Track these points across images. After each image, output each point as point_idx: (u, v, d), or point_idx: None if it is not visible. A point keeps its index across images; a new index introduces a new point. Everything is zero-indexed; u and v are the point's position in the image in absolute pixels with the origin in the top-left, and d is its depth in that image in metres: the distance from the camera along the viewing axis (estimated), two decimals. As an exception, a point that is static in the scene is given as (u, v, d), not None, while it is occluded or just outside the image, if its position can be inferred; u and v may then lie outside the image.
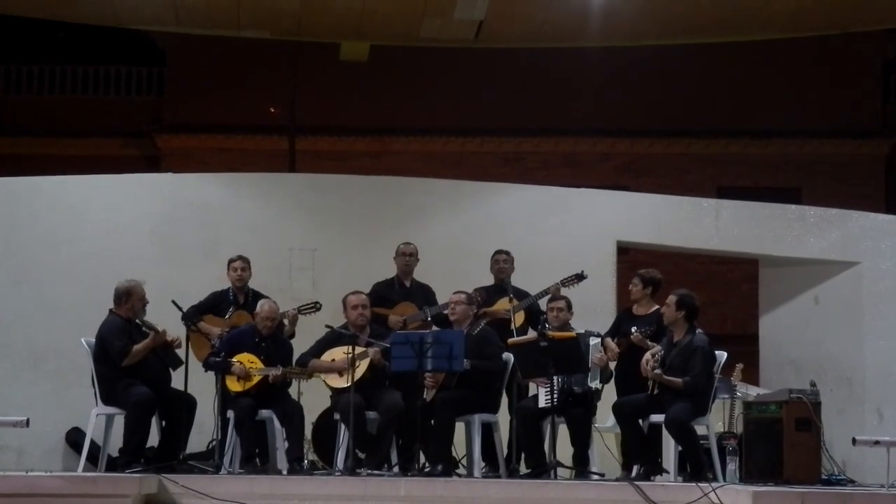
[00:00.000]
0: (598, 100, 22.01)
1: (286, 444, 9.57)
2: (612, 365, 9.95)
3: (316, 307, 10.38)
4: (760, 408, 9.39)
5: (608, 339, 10.00)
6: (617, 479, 9.20)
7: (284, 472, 9.44)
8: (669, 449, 9.42)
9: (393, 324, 10.33)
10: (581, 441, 9.57)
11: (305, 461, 9.85)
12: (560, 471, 9.45)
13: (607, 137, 22.63)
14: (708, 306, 10.84)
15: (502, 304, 10.46)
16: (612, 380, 9.95)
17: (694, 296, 9.58)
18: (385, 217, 12.06)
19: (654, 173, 22.26)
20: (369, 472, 9.21)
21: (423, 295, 10.70)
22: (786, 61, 21.64)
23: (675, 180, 21.67)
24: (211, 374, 9.72)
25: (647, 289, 10.17)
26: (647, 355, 9.41)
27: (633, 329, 9.80)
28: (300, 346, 10.09)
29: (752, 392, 11.00)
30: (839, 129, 22.51)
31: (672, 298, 9.53)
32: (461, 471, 9.82)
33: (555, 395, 9.36)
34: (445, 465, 9.36)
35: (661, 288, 10.20)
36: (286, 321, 10.22)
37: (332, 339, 9.85)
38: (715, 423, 9.97)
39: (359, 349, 9.55)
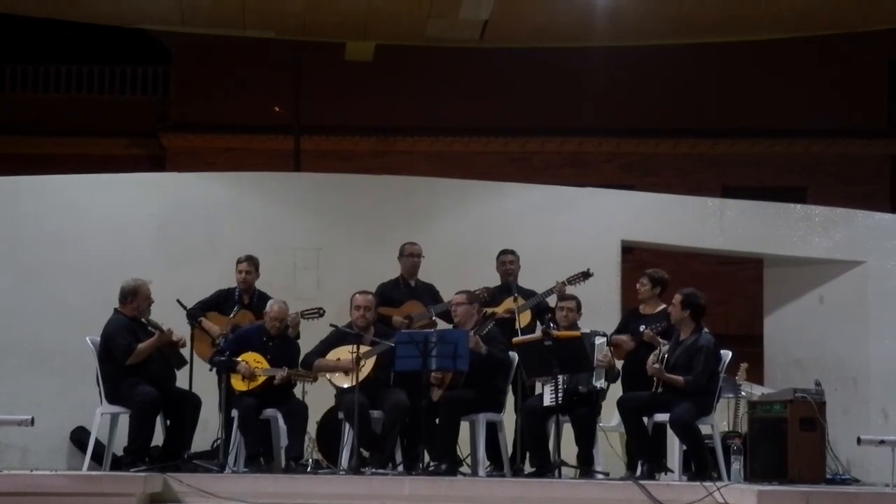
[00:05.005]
0: (604, 99, 21.98)
1: (286, 442, 9.57)
2: (619, 364, 9.93)
3: (319, 313, 10.30)
4: (765, 407, 9.38)
5: (618, 336, 9.98)
6: (622, 479, 9.19)
7: (287, 471, 9.45)
8: (674, 448, 9.40)
9: (398, 324, 10.31)
10: (586, 440, 9.56)
11: (309, 460, 9.84)
12: (564, 470, 9.44)
13: (612, 137, 22.62)
14: (713, 306, 10.78)
15: (508, 304, 10.44)
16: (619, 379, 9.94)
17: (699, 294, 9.56)
18: (390, 217, 12.05)
19: (659, 173, 22.24)
20: (374, 471, 9.20)
21: (429, 294, 10.69)
22: (792, 61, 21.60)
23: (680, 180, 21.67)
24: (215, 373, 9.72)
25: (655, 288, 10.16)
26: (652, 354, 9.41)
27: (642, 327, 9.80)
28: (305, 346, 10.08)
29: (757, 391, 11.00)
30: (844, 129, 22.48)
31: (677, 298, 9.52)
32: (465, 470, 9.81)
33: (559, 394, 9.36)
34: (450, 465, 9.35)
35: (669, 288, 10.20)
36: (289, 324, 10.18)
37: (337, 338, 9.83)
38: (720, 422, 9.96)
39: (363, 347, 9.54)
